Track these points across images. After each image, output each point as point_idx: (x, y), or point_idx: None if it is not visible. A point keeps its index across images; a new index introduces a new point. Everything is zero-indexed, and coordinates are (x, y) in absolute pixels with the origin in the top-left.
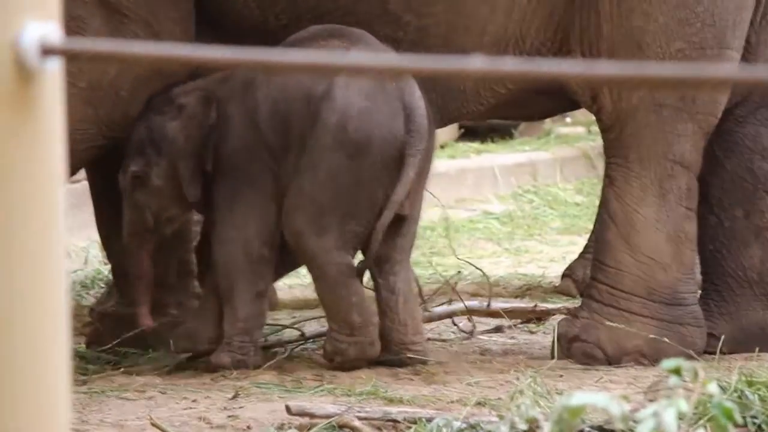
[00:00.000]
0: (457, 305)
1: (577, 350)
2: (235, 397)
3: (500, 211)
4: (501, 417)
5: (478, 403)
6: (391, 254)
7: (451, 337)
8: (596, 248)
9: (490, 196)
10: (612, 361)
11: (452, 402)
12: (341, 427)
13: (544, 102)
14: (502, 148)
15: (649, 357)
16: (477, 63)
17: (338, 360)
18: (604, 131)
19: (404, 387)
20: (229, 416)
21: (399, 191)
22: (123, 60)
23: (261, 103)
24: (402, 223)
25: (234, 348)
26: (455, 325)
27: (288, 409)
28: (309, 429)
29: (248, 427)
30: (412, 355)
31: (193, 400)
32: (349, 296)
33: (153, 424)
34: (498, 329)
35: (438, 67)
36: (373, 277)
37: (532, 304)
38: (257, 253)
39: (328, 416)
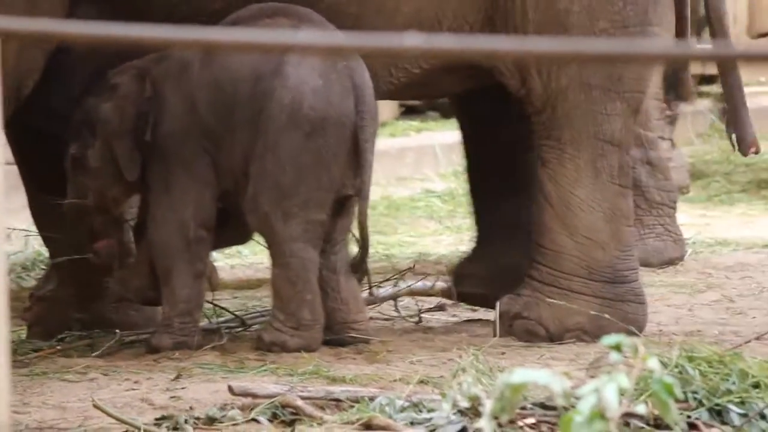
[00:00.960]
0: (402, 286)
1: (519, 327)
2: (177, 377)
3: (441, 190)
4: (443, 395)
5: (421, 382)
6: (332, 234)
7: (393, 316)
8: (534, 231)
9: (431, 174)
10: (554, 338)
11: (395, 381)
12: (284, 406)
13: (452, 81)
14: (443, 126)
15: (591, 334)
16: (413, 41)
17: (275, 350)
18: (535, 114)
19: (347, 366)
20: (172, 397)
21: (366, 176)
22: (64, 39)
23: (200, 86)
24: (346, 204)
25: (175, 329)
26: (396, 306)
27: (231, 389)
28: (252, 409)
29: (191, 408)
30: (354, 335)
31: (135, 382)
32: (305, 292)
33: (95, 406)
34: (440, 308)
35: (377, 44)
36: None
37: None
38: (194, 235)
39: (270, 396)
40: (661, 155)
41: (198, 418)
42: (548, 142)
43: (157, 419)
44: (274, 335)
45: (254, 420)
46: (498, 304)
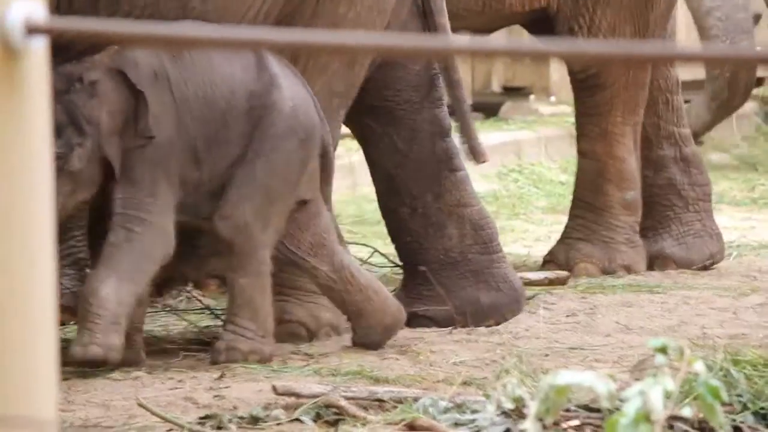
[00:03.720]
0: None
1: (281, 330)
2: (221, 377)
3: (485, 191)
4: (487, 396)
5: (464, 383)
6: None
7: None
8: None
9: (475, 175)
10: (312, 335)
11: (438, 381)
12: (327, 406)
13: None
14: (487, 128)
15: (335, 330)
16: (461, 42)
17: (251, 359)
18: None
19: (390, 366)
20: (215, 396)
21: (331, 182)
22: (107, 38)
23: (186, 98)
24: (304, 209)
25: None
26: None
27: (274, 388)
28: (295, 409)
29: (234, 407)
30: None
31: (179, 381)
32: (271, 300)
33: (139, 405)
34: None
35: (428, 46)
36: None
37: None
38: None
39: (314, 396)
40: (694, 150)
41: (242, 418)
42: None
43: (200, 418)
44: (251, 344)
45: (298, 420)
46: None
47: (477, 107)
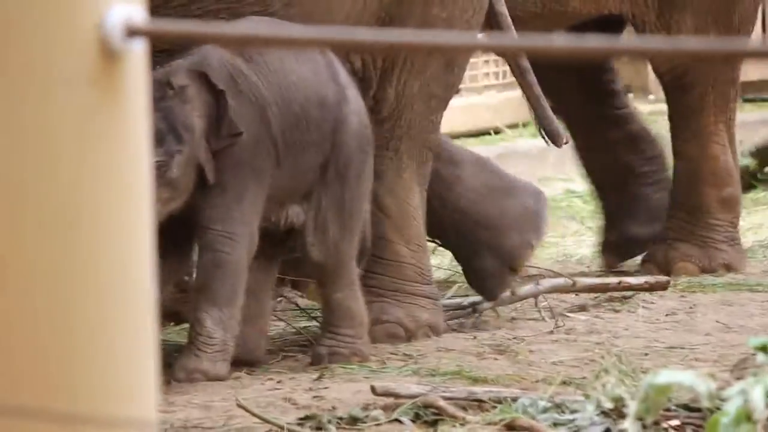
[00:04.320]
0: (542, 284)
1: (380, 331)
2: (320, 377)
3: (583, 190)
4: (587, 396)
5: (563, 383)
6: None
7: (534, 317)
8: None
9: (572, 174)
10: (411, 335)
11: (537, 381)
12: (426, 407)
13: None
14: None
15: (435, 330)
16: (561, 41)
17: (337, 362)
18: (378, 122)
19: (489, 366)
20: (315, 397)
21: None
22: (206, 40)
23: (270, 101)
24: None
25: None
26: (537, 306)
27: (373, 389)
28: (394, 409)
29: (333, 408)
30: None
31: (279, 381)
32: (363, 303)
33: (239, 405)
34: (582, 308)
35: (528, 44)
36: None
37: (616, 280)
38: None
39: (413, 396)
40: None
41: (341, 418)
42: (388, 154)
43: (300, 419)
44: (351, 348)
45: (397, 420)
46: None
47: None
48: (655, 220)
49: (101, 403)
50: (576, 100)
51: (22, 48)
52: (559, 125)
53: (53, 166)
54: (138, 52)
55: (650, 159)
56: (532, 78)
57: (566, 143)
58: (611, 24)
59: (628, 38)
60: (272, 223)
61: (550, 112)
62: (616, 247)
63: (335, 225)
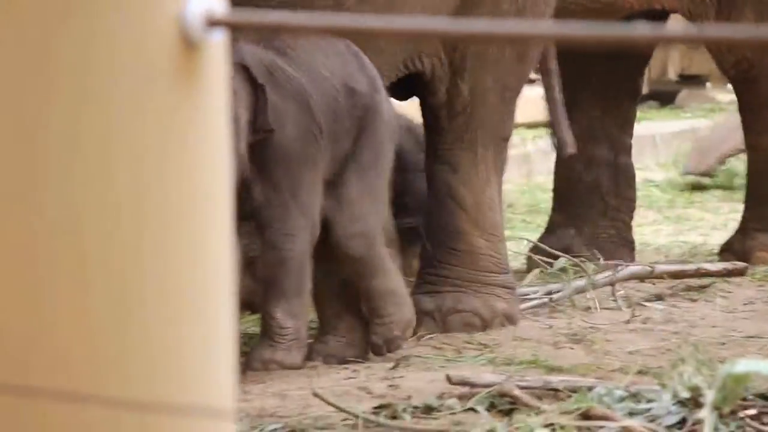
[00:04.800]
0: (620, 272)
1: (456, 321)
2: (395, 367)
3: (660, 179)
4: (663, 386)
5: (640, 372)
6: None
7: (611, 306)
8: (446, 235)
9: (650, 164)
10: (486, 324)
11: (613, 371)
12: (501, 396)
13: None
14: (663, 116)
15: (511, 320)
16: (643, 30)
17: (397, 346)
18: (453, 117)
19: (565, 356)
20: (390, 386)
21: None
22: (288, 31)
23: (310, 92)
24: None
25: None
26: (614, 295)
27: (448, 378)
28: (469, 398)
29: (408, 397)
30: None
31: (354, 370)
32: (402, 279)
33: (315, 395)
34: (659, 297)
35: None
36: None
37: (694, 267)
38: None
39: (488, 385)
40: (629, 163)
41: (416, 407)
42: (461, 145)
43: (375, 408)
44: (402, 324)
45: (472, 409)
46: (422, 302)
47: (653, 96)
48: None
49: (179, 391)
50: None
51: (103, 40)
52: (570, 135)
53: (137, 158)
54: (218, 43)
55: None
56: (555, 81)
57: (572, 153)
58: (655, 16)
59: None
60: None
61: (565, 120)
62: None
63: (371, 219)
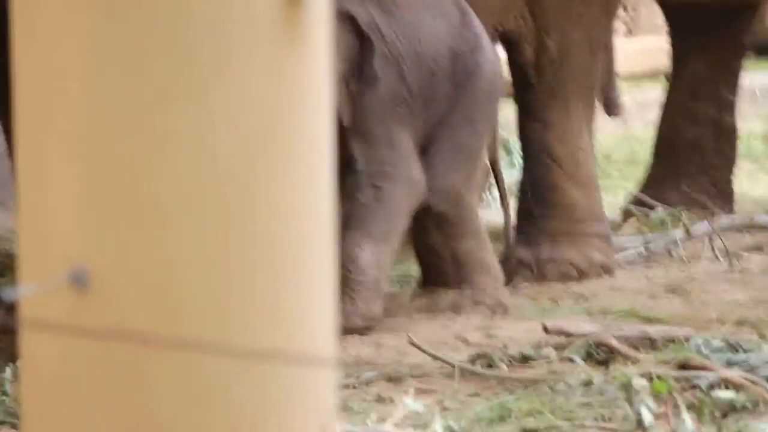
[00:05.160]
0: (718, 223)
1: (552, 270)
2: (491, 315)
3: (760, 130)
4: (761, 336)
5: (738, 322)
6: None
7: (708, 256)
8: (542, 188)
9: (750, 115)
10: (583, 275)
11: (710, 321)
12: (598, 345)
13: None
14: (763, 67)
15: (607, 270)
16: None
17: (499, 312)
18: (541, 74)
19: (662, 306)
20: (486, 335)
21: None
22: None
23: (404, 55)
24: None
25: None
26: (711, 246)
27: (545, 328)
28: (565, 348)
29: (504, 346)
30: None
31: (450, 320)
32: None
33: (411, 343)
34: (757, 248)
35: None
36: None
37: None
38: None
39: (584, 335)
40: None
41: (512, 356)
42: (553, 102)
43: (471, 357)
44: (494, 298)
45: (568, 359)
46: (518, 254)
47: (752, 47)
48: None
49: (282, 339)
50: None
51: None
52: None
53: (247, 110)
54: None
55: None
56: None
57: (617, 115)
58: None
59: None
60: None
61: (616, 82)
62: None
63: (459, 175)
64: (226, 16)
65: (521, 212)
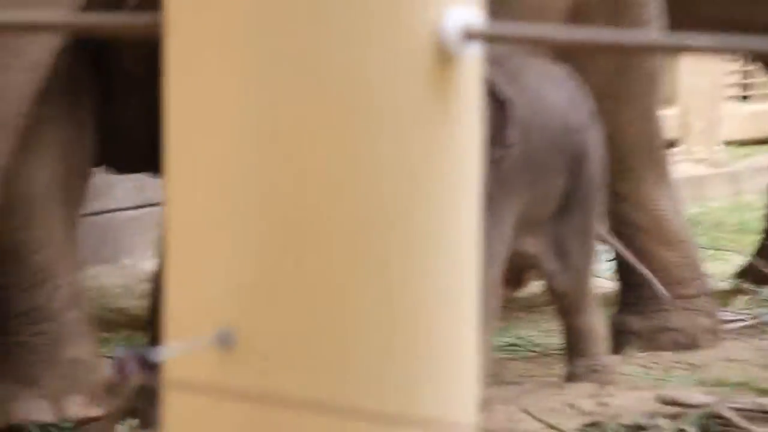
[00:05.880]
0: None
1: (666, 339)
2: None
3: None
4: None
5: None
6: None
7: None
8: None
9: None
10: (693, 341)
11: None
12: (713, 417)
13: None
14: None
15: (714, 333)
16: None
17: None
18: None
19: None
20: (598, 404)
21: None
22: (541, 44)
23: (527, 123)
24: None
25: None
26: None
27: (660, 398)
28: (679, 418)
29: (617, 415)
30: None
31: (560, 387)
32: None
33: (523, 411)
34: None
35: None
36: None
37: None
38: None
39: (699, 406)
40: None
41: (625, 426)
42: (623, 175)
43: (584, 425)
44: (609, 367)
45: (682, 430)
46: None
47: None
48: None
49: (430, 406)
50: None
51: (360, 54)
52: None
53: (391, 169)
54: (474, 56)
55: None
56: None
57: None
58: None
59: None
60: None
61: None
62: None
63: (578, 253)
64: (379, 69)
65: (623, 281)
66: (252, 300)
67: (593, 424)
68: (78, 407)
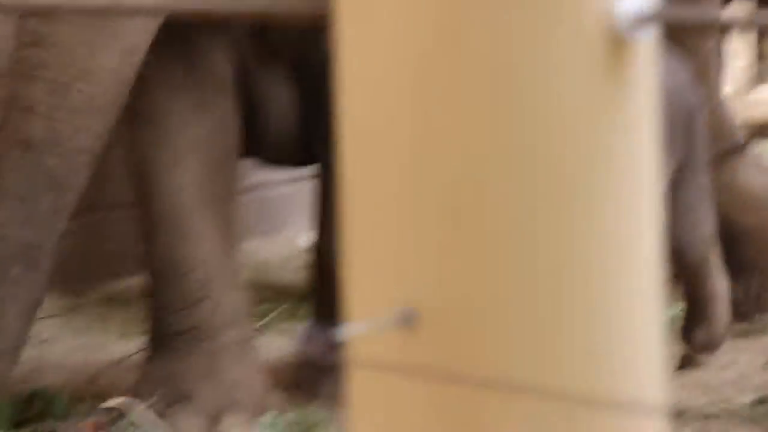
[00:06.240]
0: None
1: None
2: None
3: None
4: None
5: None
6: None
7: None
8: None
9: None
10: None
11: None
12: None
13: None
14: None
15: None
16: None
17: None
18: None
19: None
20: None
21: None
22: (711, 28)
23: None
24: None
25: None
26: None
27: None
28: None
29: None
30: None
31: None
32: None
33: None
34: None
35: None
36: None
37: None
38: None
39: None
40: None
41: None
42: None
43: (754, 401)
44: (720, 334)
45: None
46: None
47: None
48: None
49: (613, 384)
50: None
51: (535, 42)
52: None
53: (569, 158)
54: (648, 41)
55: None
56: None
57: None
58: None
59: None
60: None
61: None
62: None
63: (706, 220)
64: (552, 55)
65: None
66: (435, 279)
67: (763, 400)
68: (234, 428)
